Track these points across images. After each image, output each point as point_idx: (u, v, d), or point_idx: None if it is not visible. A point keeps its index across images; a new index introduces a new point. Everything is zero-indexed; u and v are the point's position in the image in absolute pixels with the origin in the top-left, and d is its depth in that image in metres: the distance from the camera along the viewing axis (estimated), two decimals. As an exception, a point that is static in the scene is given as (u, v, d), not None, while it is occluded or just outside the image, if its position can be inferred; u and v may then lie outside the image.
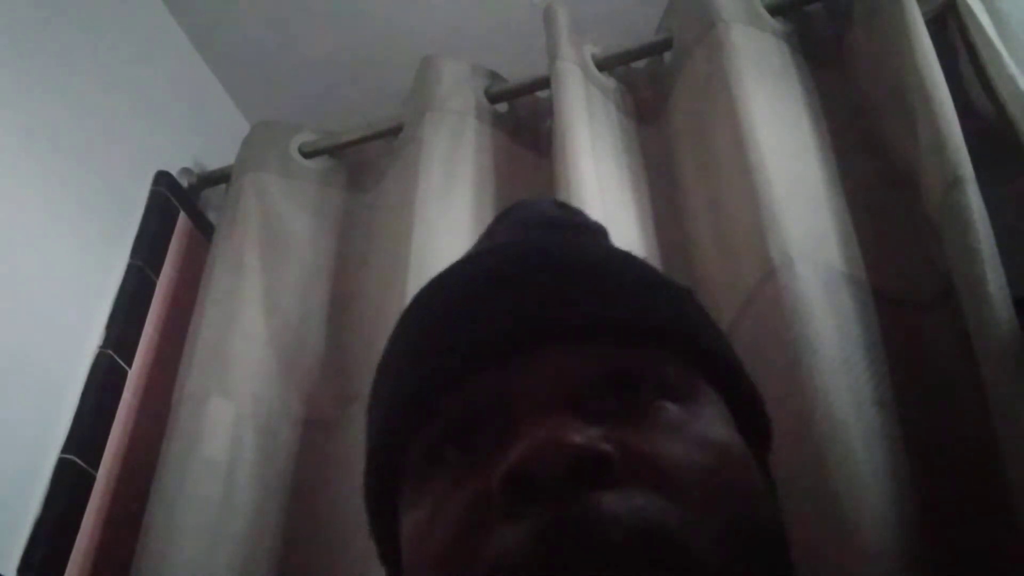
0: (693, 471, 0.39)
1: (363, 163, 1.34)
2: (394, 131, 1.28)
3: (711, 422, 0.42)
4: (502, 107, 1.27)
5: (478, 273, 0.48)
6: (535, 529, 0.36)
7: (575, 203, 0.98)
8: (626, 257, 0.51)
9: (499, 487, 0.37)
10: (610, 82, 1.21)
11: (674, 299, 0.48)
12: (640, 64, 1.25)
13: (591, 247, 0.51)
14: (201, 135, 1.43)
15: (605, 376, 0.41)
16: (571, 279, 0.45)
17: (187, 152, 1.38)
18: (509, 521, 0.37)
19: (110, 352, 1.13)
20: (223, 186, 1.35)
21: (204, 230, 1.35)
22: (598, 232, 0.56)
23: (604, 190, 1.03)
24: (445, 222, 1.10)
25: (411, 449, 0.44)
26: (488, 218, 1.12)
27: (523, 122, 1.27)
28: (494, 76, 1.28)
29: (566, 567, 0.35)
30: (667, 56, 1.21)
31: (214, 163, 1.40)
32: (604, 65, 1.21)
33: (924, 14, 1.01)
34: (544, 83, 1.20)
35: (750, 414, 0.46)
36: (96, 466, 1.07)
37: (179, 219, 1.32)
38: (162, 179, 1.30)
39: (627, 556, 0.35)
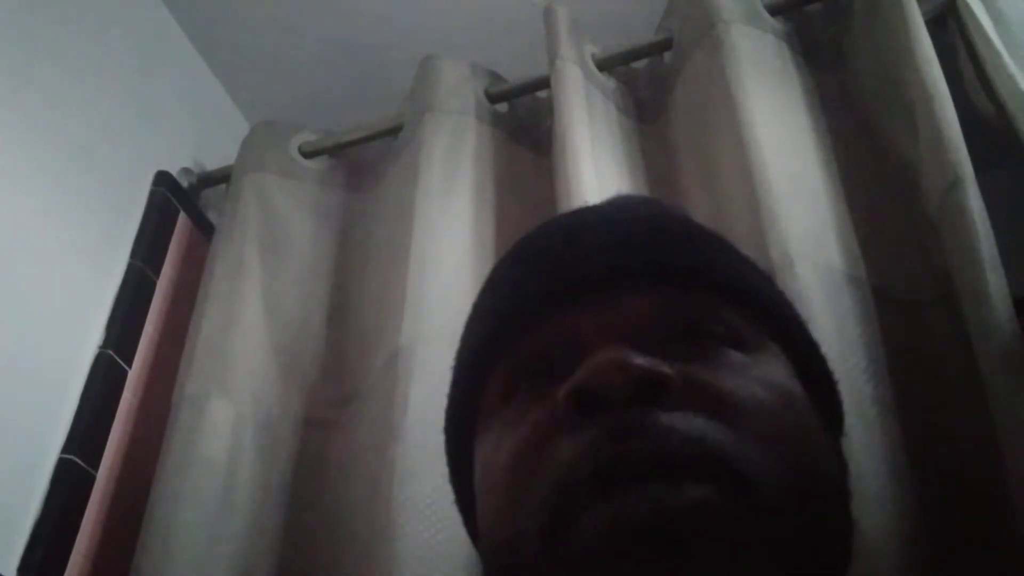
0: (754, 406, 0.40)
1: (363, 163, 1.34)
2: (394, 131, 1.28)
3: (775, 370, 0.43)
4: (502, 107, 1.27)
5: (566, 224, 0.51)
6: (594, 438, 0.38)
7: (575, 203, 0.98)
8: (707, 229, 0.53)
9: (563, 401, 0.39)
10: (610, 82, 1.21)
11: (751, 267, 0.51)
12: (640, 64, 1.25)
13: (672, 212, 0.54)
14: (201, 135, 1.43)
15: (673, 319, 0.43)
16: (647, 232, 0.48)
17: (187, 152, 1.38)
18: (572, 434, 0.39)
19: (110, 352, 1.13)
20: (223, 186, 1.35)
21: (204, 230, 1.35)
22: (683, 212, 0.59)
23: (604, 190, 1.03)
24: (445, 222, 1.10)
25: (489, 383, 0.46)
26: (488, 217, 1.13)
27: (523, 122, 1.27)
28: (494, 76, 1.28)
29: (622, 473, 0.36)
30: (667, 56, 1.21)
31: (214, 163, 1.40)
32: (604, 65, 1.21)
33: (924, 14, 1.01)
34: (544, 83, 1.20)
35: (820, 388, 0.47)
36: (96, 466, 1.07)
37: (179, 219, 1.32)
38: (162, 179, 1.30)
39: (683, 466, 0.37)
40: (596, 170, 1.04)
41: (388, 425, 0.94)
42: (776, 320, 0.47)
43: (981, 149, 0.90)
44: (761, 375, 0.42)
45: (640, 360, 0.39)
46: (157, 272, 1.25)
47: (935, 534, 0.74)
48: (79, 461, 1.05)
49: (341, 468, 1.02)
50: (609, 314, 0.43)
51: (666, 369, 0.39)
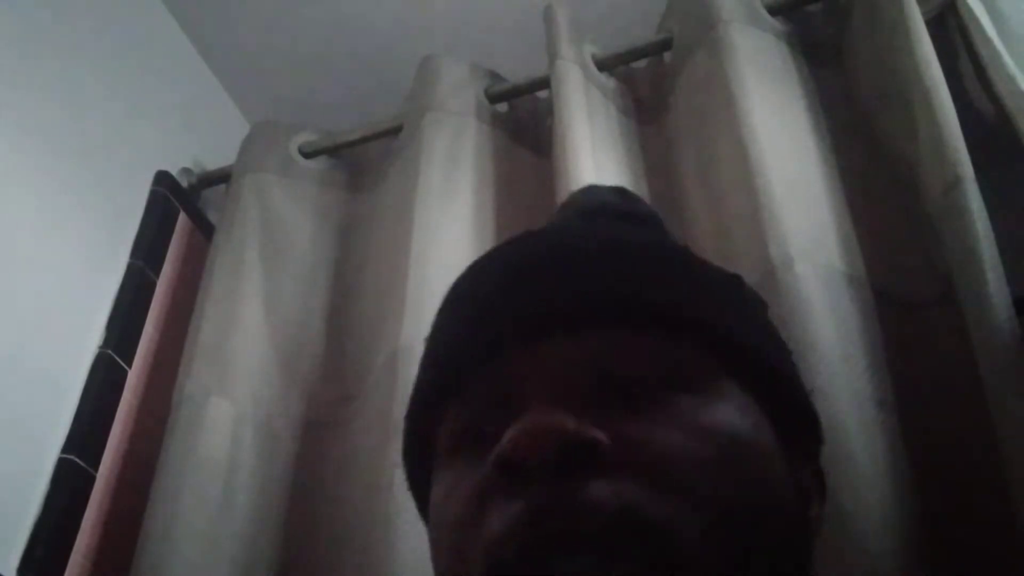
0: (689, 462, 0.39)
1: (363, 163, 1.34)
2: (394, 131, 1.28)
3: (720, 412, 0.42)
4: (502, 107, 1.27)
5: (494, 267, 0.50)
6: (521, 512, 0.37)
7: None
8: (661, 246, 0.51)
9: (491, 470, 0.39)
10: (610, 82, 1.21)
11: (701, 287, 0.47)
12: (640, 64, 1.25)
13: (625, 235, 0.51)
14: (201, 135, 1.43)
15: (609, 365, 0.42)
16: (582, 268, 0.45)
17: (187, 152, 1.38)
18: (503, 501, 0.38)
19: (110, 352, 1.13)
20: (223, 186, 1.35)
21: (204, 230, 1.35)
22: (649, 219, 0.55)
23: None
24: (445, 222, 1.10)
25: (439, 429, 0.46)
26: (488, 217, 1.13)
27: (523, 122, 1.27)
28: (494, 76, 1.28)
29: (548, 551, 0.36)
30: (667, 56, 1.21)
31: (214, 163, 1.40)
32: (604, 65, 1.21)
33: (924, 14, 1.01)
34: (544, 83, 1.20)
35: (788, 410, 0.45)
36: (96, 466, 1.07)
37: (179, 219, 1.32)
38: (162, 179, 1.30)
39: (608, 543, 0.36)
40: (596, 170, 1.04)
41: (388, 425, 0.94)
42: (733, 349, 0.44)
43: (981, 149, 0.90)
44: (704, 423, 0.40)
45: (568, 424, 0.38)
46: (157, 272, 1.25)
47: (935, 534, 0.74)
48: (79, 461, 1.05)
49: (341, 468, 1.02)
50: (541, 365, 0.42)
51: (594, 434, 0.38)
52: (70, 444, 1.05)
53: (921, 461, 0.79)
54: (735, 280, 0.50)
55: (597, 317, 0.43)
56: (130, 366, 1.16)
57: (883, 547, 0.71)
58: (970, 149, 0.88)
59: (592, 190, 0.60)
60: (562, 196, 1.00)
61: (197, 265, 1.26)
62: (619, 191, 0.60)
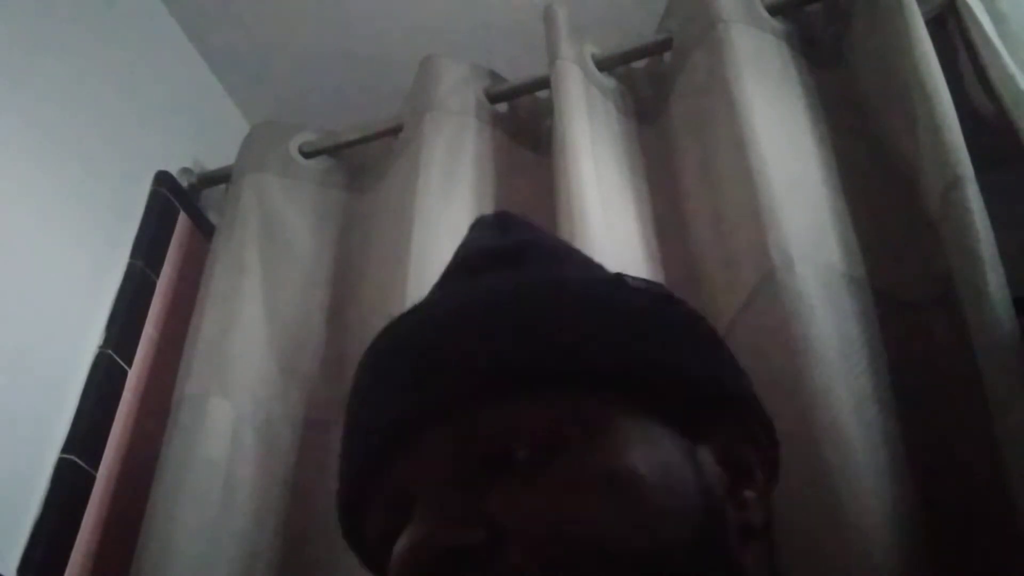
0: (576, 519, 0.40)
1: (363, 163, 1.34)
2: (394, 131, 1.28)
3: (611, 452, 0.42)
4: (502, 107, 1.27)
5: (383, 352, 0.51)
6: None
7: (575, 204, 0.98)
8: (520, 287, 0.49)
9: None
10: (610, 82, 1.21)
11: (568, 323, 0.46)
12: (640, 64, 1.25)
13: (492, 292, 0.49)
14: (201, 135, 1.43)
15: (486, 442, 0.43)
16: (456, 347, 0.46)
17: (187, 152, 1.38)
18: None
19: (110, 352, 1.13)
20: (223, 186, 1.35)
21: (204, 230, 1.35)
22: (522, 254, 0.54)
23: (604, 190, 1.03)
24: (445, 222, 1.10)
25: (363, 517, 0.50)
26: (488, 218, 1.13)
27: (523, 122, 1.27)
28: (494, 76, 1.28)
29: None
30: (667, 56, 1.21)
31: (214, 163, 1.40)
32: (604, 65, 1.21)
33: (924, 14, 1.01)
34: (544, 83, 1.20)
35: (696, 404, 0.45)
36: (96, 466, 1.07)
37: (179, 219, 1.32)
38: (162, 179, 1.30)
39: None
40: (596, 170, 1.04)
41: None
42: (618, 379, 0.44)
43: (981, 149, 0.90)
44: (590, 469, 0.41)
45: (441, 536, 0.40)
46: (157, 272, 1.25)
47: (935, 534, 0.74)
48: (79, 461, 1.05)
49: (341, 468, 1.02)
50: (419, 462, 0.44)
51: (469, 538, 0.40)
52: (70, 444, 1.05)
53: (921, 461, 0.79)
54: (615, 283, 0.50)
55: (468, 396, 0.44)
56: (130, 366, 1.16)
57: (883, 546, 0.71)
58: (970, 149, 0.88)
59: (472, 241, 0.60)
60: (562, 196, 1.00)
61: (197, 265, 1.26)
62: (498, 223, 0.60)
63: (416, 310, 0.52)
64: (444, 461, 0.44)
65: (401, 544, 0.42)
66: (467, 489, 0.42)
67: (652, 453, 0.42)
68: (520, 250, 0.55)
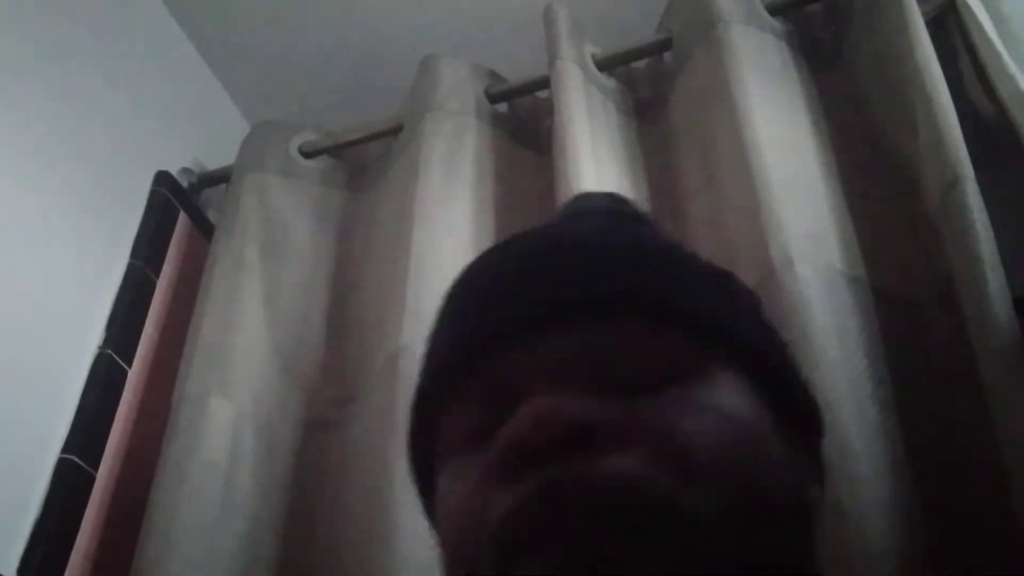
0: (698, 443, 0.39)
1: (363, 163, 1.34)
2: (394, 131, 1.28)
3: (721, 396, 0.42)
4: (502, 107, 1.27)
5: (494, 262, 0.51)
6: (528, 492, 0.37)
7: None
8: (656, 241, 0.52)
9: (498, 456, 0.39)
10: (610, 82, 1.21)
11: (697, 279, 0.48)
12: (640, 64, 1.25)
13: (622, 232, 0.52)
14: (201, 135, 1.43)
15: (607, 353, 0.42)
16: (576, 261, 0.46)
17: (187, 152, 1.38)
18: (509, 484, 0.38)
19: (110, 352, 1.13)
20: (223, 186, 1.35)
21: (204, 230, 1.35)
22: (644, 220, 0.56)
23: (604, 190, 1.03)
24: (445, 222, 1.10)
25: (442, 424, 0.46)
26: (488, 218, 1.13)
27: (523, 122, 1.27)
28: (494, 76, 1.28)
29: (557, 527, 0.36)
30: (667, 56, 1.21)
31: (214, 163, 1.40)
32: (604, 65, 1.21)
33: (924, 14, 1.01)
34: (544, 83, 1.20)
35: (784, 399, 0.46)
36: (96, 466, 1.07)
37: (179, 219, 1.32)
38: (162, 179, 1.30)
39: (617, 516, 0.36)
40: (596, 170, 1.04)
41: (388, 425, 0.94)
42: (727, 338, 0.45)
43: (981, 149, 0.90)
44: (702, 403, 0.41)
45: (574, 407, 0.39)
46: (157, 272, 1.25)
47: (935, 533, 0.74)
48: (79, 461, 1.05)
49: (341, 468, 1.02)
50: (542, 359, 0.43)
51: (600, 415, 0.39)
52: (70, 444, 1.05)
53: (921, 460, 0.79)
54: (727, 275, 0.51)
55: (597, 311, 0.44)
56: (130, 366, 1.16)
57: (883, 546, 0.71)
58: (970, 149, 0.88)
59: (585, 195, 0.61)
60: (562, 196, 1.00)
61: (197, 265, 1.26)
62: (611, 195, 0.61)
63: (540, 231, 0.52)
64: (575, 361, 0.42)
65: (524, 410, 0.39)
66: (593, 392, 0.40)
67: (760, 418, 0.43)
68: (640, 214, 0.56)
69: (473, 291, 0.50)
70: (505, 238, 0.53)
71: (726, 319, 0.46)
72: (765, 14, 1.14)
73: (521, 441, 0.39)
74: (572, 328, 0.43)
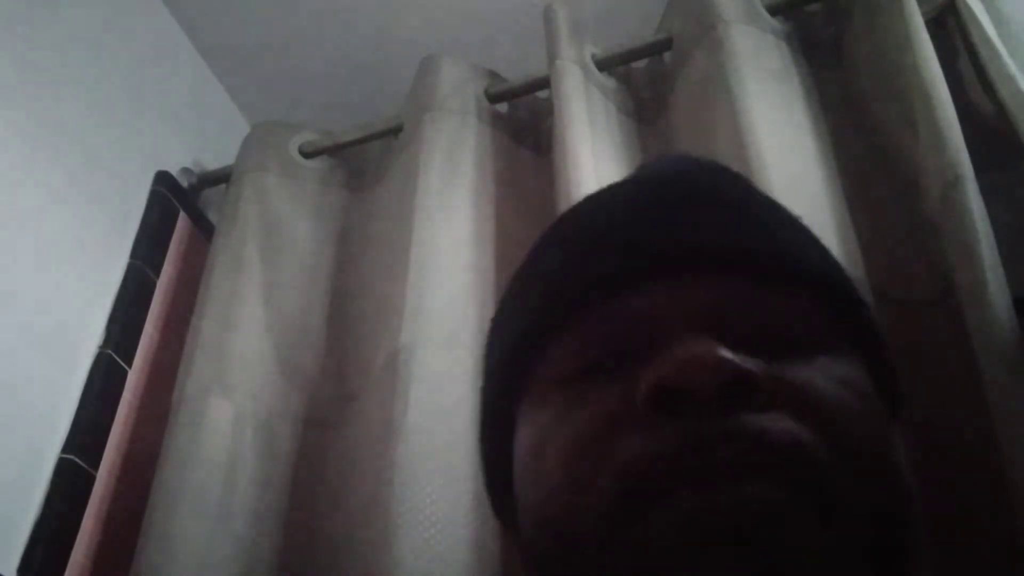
0: (839, 410, 0.38)
1: (363, 163, 1.34)
2: (394, 131, 1.28)
3: (854, 370, 0.41)
4: (502, 107, 1.27)
5: (633, 194, 0.47)
6: (676, 437, 0.35)
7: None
8: (773, 201, 0.50)
9: (646, 394, 0.37)
10: (610, 82, 1.21)
11: (821, 249, 0.48)
12: (640, 64, 1.25)
13: (746, 186, 0.51)
14: (201, 135, 1.43)
15: (757, 311, 0.41)
16: (729, 212, 0.44)
17: (187, 152, 1.38)
18: (648, 430, 0.36)
19: (110, 352, 1.13)
20: (223, 186, 1.35)
21: (204, 230, 1.35)
22: (741, 177, 0.54)
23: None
24: (445, 222, 1.10)
25: (547, 355, 0.43)
26: (488, 217, 1.13)
27: (523, 122, 1.27)
28: (494, 76, 1.28)
29: (705, 477, 0.35)
30: (667, 56, 1.21)
31: (214, 163, 1.40)
32: (604, 65, 1.21)
33: (924, 14, 1.01)
34: (544, 83, 1.20)
35: (885, 384, 0.45)
36: (96, 466, 1.07)
37: (179, 219, 1.32)
38: (162, 179, 1.30)
39: (770, 473, 0.35)
40: (596, 170, 1.04)
41: (388, 425, 0.94)
42: (852, 316, 0.44)
43: (981, 149, 0.90)
44: (843, 375, 0.40)
45: (730, 357, 0.36)
46: (157, 272, 1.25)
47: (935, 534, 0.74)
48: (79, 461, 1.05)
49: (341, 468, 1.02)
50: (691, 299, 0.40)
51: (756, 368, 0.36)
52: (70, 444, 1.05)
53: (921, 461, 0.79)
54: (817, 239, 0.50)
55: (739, 263, 0.42)
56: (130, 366, 1.16)
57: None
58: (970, 149, 0.88)
59: (679, 154, 0.57)
60: (562, 195, 1.00)
61: (197, 265, 1.26)
62: (700, 158, 0.57)
63: (660, 178, 0.49)
64: (722, 310, 0.40)
65: (676, 353, 0.36)
66: (739, 343, 0.38)
67: (870, 384, 0.42)
68: (737, 174, 0.54)
69: (598, 225, 0.46)
70: (615, 183, 0.49)
71: (852, 298, 0.45)
72: (765, 14, 1.14)
73: (675, 386, 0.36)
74: (717, 277, 0.41)
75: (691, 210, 0.44)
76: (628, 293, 0.41)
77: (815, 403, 0.38)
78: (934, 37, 0.99)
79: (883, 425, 0.41)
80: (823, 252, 0.47)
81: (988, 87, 0.98)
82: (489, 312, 0.59)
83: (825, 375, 0.39)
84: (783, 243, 0.44)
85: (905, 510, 0.39)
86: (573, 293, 0.43)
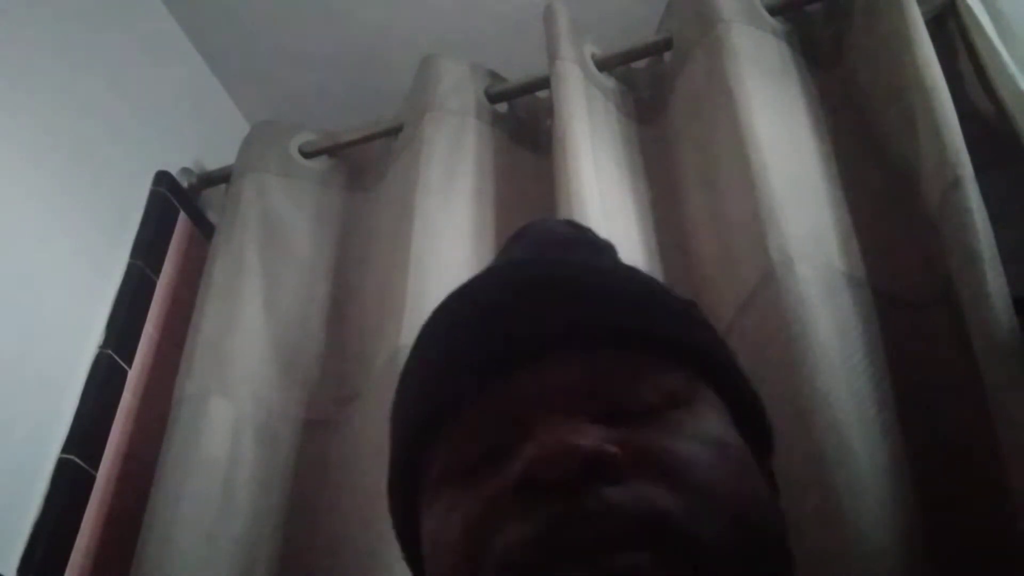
0: (696, 465, 0.40)
1: (363, 163, 1.34)
2: (394, 131, 1.28)
3: (712, 422, 0.44)
4: (502, 107, 1.27)
5: (488, 289, 0.50)
6: (542, 522, 0.38)
7: (574, 204, 0.99)
8: (632, 271, 0.53)
9: (513, 487, 0.39)
10: (610, 82, 1.21)
11: (678, 310, 0.50)
12: (640, 64, 1.25)
13: (599, 262, 0.53)
14: (201, 135, 1.43)
15: (608, 383, 0.43)
16: (577, 292, 0.47)
17: (187, 152, 1.38)
18: (520, 517, 0.39)
19: (110, 352, 1.13)
20: (223, 186, 1.35)
21: (204, 230, 1.35)
22: (606, 248, 0.57)
23: (604, 190, 1.03)
24: (445, 222, 1.10)
25: (432, 457, 0.46)
26: (488, 217, 1.13)
27: (523, 122, 1.27)
28: (494, 76, 1.28)
29: (572, 556, 0.37)
30: (667, 56, 1.21)
31: (214, 163, 1.40)
32: (604, 65, 1.21)
33: (924, 14, 1.01)
34: (544, 83, 1.20)
35: (751, 419, 0.48)
36: (96, 466, 1.07)
37: (179, 219, 1.32)
38: (162, 179, 1.30)
39: (633, 542, 0.37)
40: (596, 170, 1.04)
41: (388, 425, 0.94)
42: (707, 364, 0.46)
43: (981, 149, 0.90)
44: (700, 431, 0.42)
45: (585, 441, 0.39)
46: (157, 272, 1.25)
47: (935, 534, 0.74)
48: (79, 461, 1.05)
49: (341, 468, 1.02)
50: (554, 379, 0.43)
51: (610, 448, 0.39)
52: (70, 444, 1.05)
53: (921, 460, 0.79)
54: (693, 305, 0.53)
55: (597, 341, 0.44)
56: (130, 366, 1.16)
57: (883, 546, 0.71)
58: (970, 149, 0.88)
59: (544, 223, 0.61)
60: (562, 195, 1.00)
61: (197, 265, 1.26)
62: (570, 223, 0.62)
63: (524, 263, 0.52)
64: (579, 389, 0.43)
65: (537, 444, 0.39)
66: (594, 415, 0.41)
67: (730, 431, 0.45)
68: (605, 245, 0.57)
69: (469, 318, 0.49)
70: (486, 269, 0.53)
71: (711, 348, 0.48)
72: (765, 14, 1.14)
73: (535, 476, 0.39)
74: (573, 358, 0.44)
75: (547, 291, 0.47)
76: (498, 383, 0.44)
77: (671, 465, 0.40)
78: (934, 37, 0.99)
79: (744, 473, 0.42)
80: (675, 311, 0.50)
81: (988, 87, 0.98)
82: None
83: (686, 434, 0.42)
84: (638, 312, 0.47)
85: (774, 550, 0.41)
86: (445, 397, 0.46)
